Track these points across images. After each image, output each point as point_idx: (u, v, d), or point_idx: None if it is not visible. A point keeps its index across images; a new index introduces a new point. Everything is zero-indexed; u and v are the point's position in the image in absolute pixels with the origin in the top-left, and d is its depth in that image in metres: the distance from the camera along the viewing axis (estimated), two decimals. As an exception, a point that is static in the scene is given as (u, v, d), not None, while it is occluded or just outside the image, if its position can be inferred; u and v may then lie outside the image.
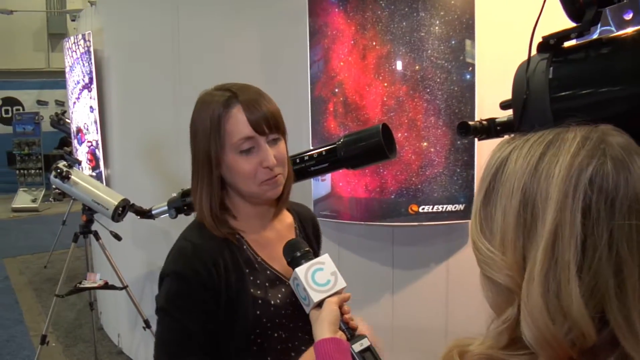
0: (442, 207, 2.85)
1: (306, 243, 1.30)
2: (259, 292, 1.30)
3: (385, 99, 2.77)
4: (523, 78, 1.11)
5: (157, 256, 3.86)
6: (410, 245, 3.03)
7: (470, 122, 1.35)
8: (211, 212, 1.30)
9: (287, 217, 1.47)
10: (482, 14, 2.77)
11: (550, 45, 1.09)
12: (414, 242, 3.03)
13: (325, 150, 1.70)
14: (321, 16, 2.83)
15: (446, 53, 2.74)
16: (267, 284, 1.32)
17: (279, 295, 1.33)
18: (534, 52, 1.00)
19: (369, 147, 1.60)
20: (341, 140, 1.67)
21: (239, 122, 1.24)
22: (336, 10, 2.80)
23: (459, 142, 2.81)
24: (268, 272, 1.34)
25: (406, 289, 3.07)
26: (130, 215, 2.98)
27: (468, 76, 2.77)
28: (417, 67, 2.74)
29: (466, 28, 2.75)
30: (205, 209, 1.29)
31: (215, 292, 1.26)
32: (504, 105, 1.29)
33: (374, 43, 2.75)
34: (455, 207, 2.86)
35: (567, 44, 1.01)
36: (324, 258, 1.22)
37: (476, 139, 1.41)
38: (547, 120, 1.04)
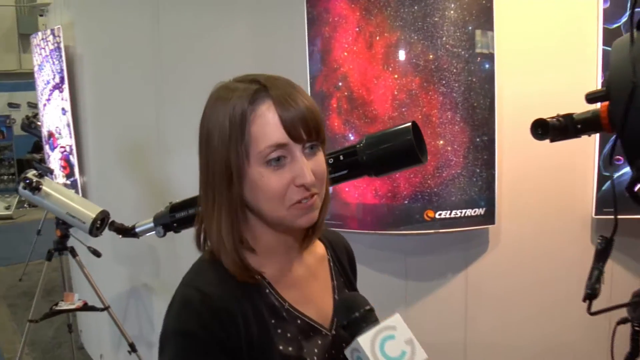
0: (461, 212, 2.56)
1: (365, 299, 0.99)
2: (290, 348, 1.00)
3: (395, 92, 2.47)
4: (626, 61, 0.83)
5: (141, 272, 3.55)
6: (425, 254, 2.75)
7: (548, 119, 1.07)
8: (235, 246, 0.99)
9: (317, 247, 1.16)
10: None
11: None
12: (429, 251, 2.75)
13: (343, 154, 1.40)
14: (321, 1, 2.52)
15: (463, 40, 2.45)
16: (299, 337, 1.03)
17: (316, 351, 1.03)
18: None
19: (398, 149, 1.31)
20: (363, 141, 1.37)
21: (268, 124, 0.93)
22: (338, -7, 2.49)
23: (478, 139, 2.52)
24: (299, 321, 1.04)
25: (421, 302, 2.79)
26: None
27: (487, 65, 2.48)
28: (430, 56, 2.44)
29: (484, 12, 2.46)
30: (227, 241, 0.98)
31: (234, 353, 0.94)
32: (592, 98, 1.01)
33: (382, 30, 2.45)
34: (475, 212, 2.57)
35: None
36: (395, 320, 0.91)
37: (545, 139, 1.13)
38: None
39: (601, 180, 2.60)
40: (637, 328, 1.00)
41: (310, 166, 0.95)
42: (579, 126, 1.05)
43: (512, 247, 2.73)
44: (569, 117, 1.06)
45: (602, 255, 0.99)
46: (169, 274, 3.26)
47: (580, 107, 2.58)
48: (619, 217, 2.61)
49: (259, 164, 0.93)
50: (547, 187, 2.68)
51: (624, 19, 2.52)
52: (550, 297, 2.76)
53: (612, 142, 2.59)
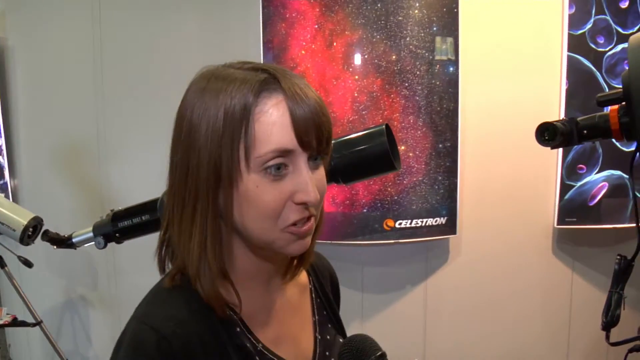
0: (422, 222, 2.44)
1: (375, 342, 0.82)
2: None
3: (356, 94, 2.33)
4: None
5: (78, 283, 3.30)
6: (383, 265, 2.63)
7: (555, 122, 0.95)
8: (221, 270, 0.79)
9: (299, 277, 0.97)
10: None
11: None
12: (387, 262, 2.63)
13: (307, 159, 1.25)
14: (278, -5, 2.36)
15: (427, 41, 2.33)
16: None
17: None
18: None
19: (371, 154, 1.16)
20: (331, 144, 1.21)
21: (275, 124, 0.73)
22: (297, -13, 2.34)
23: (440, 145, 2.41)
24: None
25: (378, 315, 2.67)
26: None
27: (451, 69, 2.38)
28: (393, 57, 2.32)
29: (449, 13, 2.35)
30: (213, 264, 0.78)
31: None
32: (603, 101, 0.89)
33: (343, 28, 2.31)
34: (436, 221, 2.46)
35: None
36: None
37: (547, 147, 1.01)
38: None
39: (564, 189, 2.54)
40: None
41: (314, 181, 0.77)
42: (585, 132, 0.93)
43: (473, 257, 2.64)
44: (573, 121, 0.94)
45: (620, 276, 0.86)
46: (107, 285, 3.03)
47: (544, 113, 2.52)
48: (579, 227, 2.57)
49: (255, 171, 0.75)
50: (510, 195, 2.61)
51: (589, 25, 2.46)
52: (512, 309, 2.68)
53: (574, 150, 2.53)
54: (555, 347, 2.73)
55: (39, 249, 2.72)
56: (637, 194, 2.45)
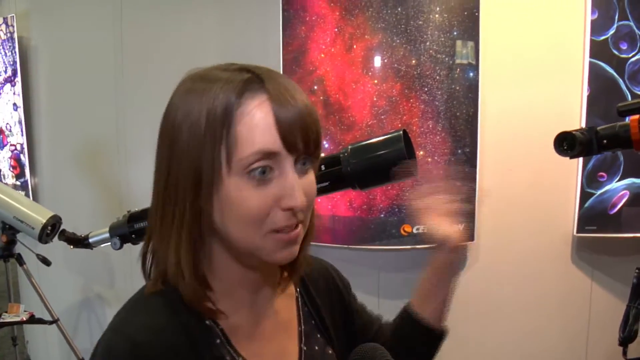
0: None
1: (386, 352, 0.80)
2: None
3: (375, 98, 2.33)
4: None
5: (95, 282, 3.33)
6: (399, 271, 2.61)
7: (574, 132, 0.93)
8: (196, 277, 0.77)
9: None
10: (487, 3, 2.38)
11: None
12: (404, 268, 2.61)
13: (325, 163, 1.23)
14: (298, -1, 2.36)
15: (447, 46, 2.32)
16: None
17: None
18: None
19: (388, 160, 1.14)
20: (348, 150, 1.20)
21: (258, 125, 0.71)
22: (317, -9, 2.33)
23: (459, 151, 2.39)
24: None
25: (393, 321, 2.65)
26: (61, 236, 2.46)
27: (471, 74, 2.36)
28: (413, 61, 2.31)
29: (470, 18, 2.34)
30: (186, 268, 0.76)
31: None
32: (624, 110, 0.88)
33: (363, 32, 2.30)
34: (453, 227, 2.44)
35: None
36: None
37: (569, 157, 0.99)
38: None
39: (584, 197, 2.51)
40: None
41: (301, 186, 0.74)
42: (605, 142, 0.91)
43: (491, 263, 2.61)
44: (593, 130, 0.92)
45: (639, 291, 0.84)
46: (123, 284, 3.05)
47: (565, 120, 2.49)
48: (599, 235, 2.54)
49: (239, 175, 0.72)
50: (528, 203, 2.58)
51: (612, 31, 2.43)
52: (529, 316, 2.65)
53: (595, 158, 2.50)
54: (572, 356, 2.69)
55: (58, 247, 2.75)
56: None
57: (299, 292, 0.95)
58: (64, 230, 2.03)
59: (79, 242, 1.91)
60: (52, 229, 2.65)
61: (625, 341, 0.82)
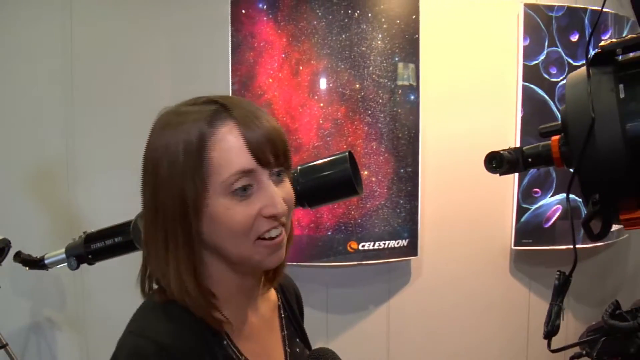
0: (384, 244, 2.53)
1: (336, 354, 0.90)
2: None
3: (321, 121, 2.42)
4: (583, 96, 0.83)
5: (45, 304, 3.28)
6: (347, 286, 2.70)
7: (502, 152, 1.04)
8: (201, 290, 0.85)
9: (269, 292, 1.04)
10: (426, 30, 2.51)
11: (611, 57, 0.84)
12: (351, 283, 2.69)
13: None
14: (246, 25, 2.44)
15: (389, 70, 2.43)
16: None
17: None
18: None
19: (335, 179, 1.24)
20: (297, 170, 1.29)
21: (232, 148, 0.80)
22: (265, 18, 2.41)
23: (402, 170, 2.51)
24: None
25: (342, 335, 2.72)
26: (10, 258, 2.43)
27: (412, 97, 2.48)
28: (357, 85, 2.41)
29: (410, 44, 2.46)
30: (191, 287, 0.84)
31: None
32: (546, 132, 0.98)
33: (309, 57, 2.40)
34: (397, 243, 2.55)
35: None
36: None
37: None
38: (618, 154, 0.78)
39: (520, 212, 2.65)
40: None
41: (280, 194, 0.84)
42: (530, 160, 1.02)
43: (434, 278, 2.73)
44: (519, 150, 1.03)
45: (560, 291, 0.95)
46: (75, 306, 3.03)
47: (501, 140, 2.63)
48: (535, 248, 2.68)
49: (223, 195, 0.81)
50: (468, 219, 2.71)
51: (542, 56, 2.60)
52: (472, 329, 2.77)
53: (530, 174, 2.65)
54: (514, 364, 2.82)
55: (5, 270, 2.73)
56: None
57: (281, 301, 1.05)
58: (19, 252, 2.04)
59: (35, 263, 1.92)
60: (1, 253, 2.63)
61: (549, 335, 0.92)
